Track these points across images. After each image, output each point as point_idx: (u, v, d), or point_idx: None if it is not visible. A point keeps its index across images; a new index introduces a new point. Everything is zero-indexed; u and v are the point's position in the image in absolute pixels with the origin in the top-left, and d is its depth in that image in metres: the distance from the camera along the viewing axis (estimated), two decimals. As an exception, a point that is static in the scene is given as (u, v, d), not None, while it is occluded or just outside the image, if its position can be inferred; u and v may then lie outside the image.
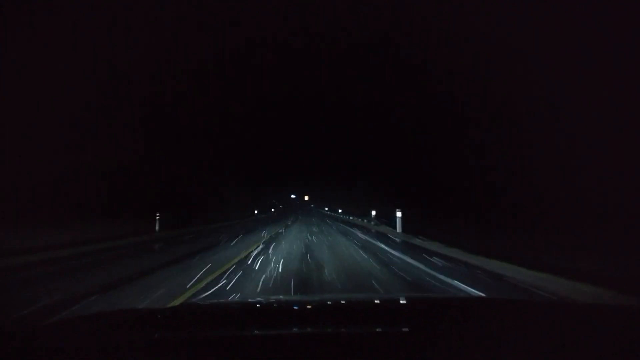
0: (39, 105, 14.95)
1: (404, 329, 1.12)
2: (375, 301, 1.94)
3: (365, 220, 22.58)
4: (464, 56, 22.99)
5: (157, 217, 14.97)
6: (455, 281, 4.92)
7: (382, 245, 9.53)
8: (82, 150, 16.17)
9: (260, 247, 8.99)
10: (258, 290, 4.52)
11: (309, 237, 12.24)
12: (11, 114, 13.72)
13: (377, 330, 1.14)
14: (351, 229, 16.75)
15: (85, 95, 16.64)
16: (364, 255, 7.64)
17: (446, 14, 23.08)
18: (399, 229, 13.76)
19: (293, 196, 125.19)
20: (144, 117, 21.93)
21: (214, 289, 4.49)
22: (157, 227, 14.68)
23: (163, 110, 24.45)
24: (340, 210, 41.61)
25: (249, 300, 2.89)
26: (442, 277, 5.24)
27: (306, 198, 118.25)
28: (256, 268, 6.01)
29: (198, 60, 31.74)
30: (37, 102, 14.87)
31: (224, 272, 5.52)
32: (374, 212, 20.63)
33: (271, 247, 8.87)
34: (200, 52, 30.65)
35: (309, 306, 1.77)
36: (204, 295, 4.20)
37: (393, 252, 8.25)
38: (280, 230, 15.51)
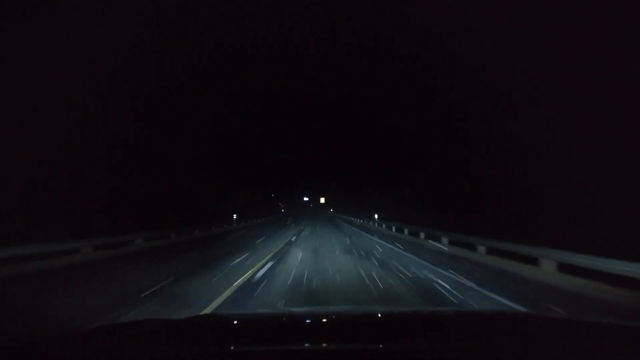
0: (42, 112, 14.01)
1: (415, 345, 1.11)
2: (391, 315, 1.86)
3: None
4: (470, 61, 22.55)
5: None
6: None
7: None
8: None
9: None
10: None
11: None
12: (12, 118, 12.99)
13: (392, 346, 1.11)
14: None
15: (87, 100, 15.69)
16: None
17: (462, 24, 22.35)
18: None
19: (306, 199, 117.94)
20: (152, 122, 20.95)
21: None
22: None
23: (170, 115, 23.41)
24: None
25: (266, 312, 2.86)
26: None
27: (322, 200, 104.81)
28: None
29: (208, 67, 31.06)
30: (39, 108, 14.01)
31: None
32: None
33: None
34: (211, 58, 29.82)
35: (324, 320, 1.73)
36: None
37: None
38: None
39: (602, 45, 14.27)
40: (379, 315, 1.85)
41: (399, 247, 12.58)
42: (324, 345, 1.21)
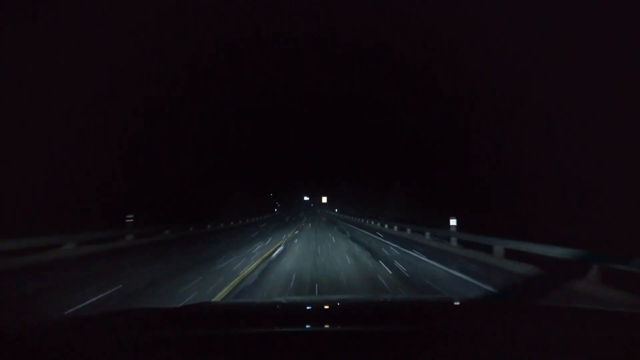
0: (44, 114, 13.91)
1: (411, 329, 1.13)
2: (388, 302, 1.92)
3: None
4: (469, 59, 22.64)
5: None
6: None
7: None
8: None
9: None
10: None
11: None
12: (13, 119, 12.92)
13: (385, 329, 1.12)
14: None
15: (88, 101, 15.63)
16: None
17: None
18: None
19: (306, 198, 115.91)
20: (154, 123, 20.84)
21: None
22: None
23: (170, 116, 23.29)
24: None
25: (262, 300, 2.87)
26: None
27: (324, 200, 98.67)
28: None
29: (209, 68, 30.87)
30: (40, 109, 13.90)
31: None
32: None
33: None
34: (211, 57, 29.69)
35: (326, 306, 1.72)
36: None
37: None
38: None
39: (602, 45, 14.33)
40: (377, 302, 1.84)
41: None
42: (324, 327, 1.21)
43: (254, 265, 7.38)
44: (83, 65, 15.64)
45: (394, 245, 11.92)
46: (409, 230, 17.23)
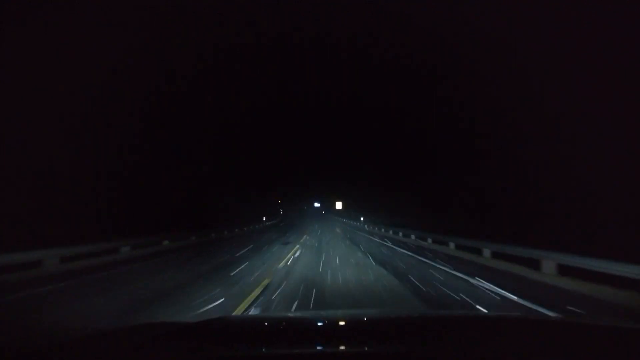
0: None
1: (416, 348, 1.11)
2: (402, 318, 1.86)
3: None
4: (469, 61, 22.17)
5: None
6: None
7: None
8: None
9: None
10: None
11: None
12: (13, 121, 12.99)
13: (407, 350, 1.11)
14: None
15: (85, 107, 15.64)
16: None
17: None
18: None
19: (317, 205, 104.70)
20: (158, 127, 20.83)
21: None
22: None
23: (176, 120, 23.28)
24: None
25: (279, 315, 2.87)
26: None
27: (338, 206, 78.50)
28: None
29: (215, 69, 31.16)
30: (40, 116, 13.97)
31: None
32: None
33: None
34: (212, 60, 29.89)
35: (342, 322, 1.70)
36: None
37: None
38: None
39: (604, 50, 13.99)
40: (392, 318, 1.82)
41: None
42: (339, 348, 1.16)
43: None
44: (80, 68, 15.74)
45: None
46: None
